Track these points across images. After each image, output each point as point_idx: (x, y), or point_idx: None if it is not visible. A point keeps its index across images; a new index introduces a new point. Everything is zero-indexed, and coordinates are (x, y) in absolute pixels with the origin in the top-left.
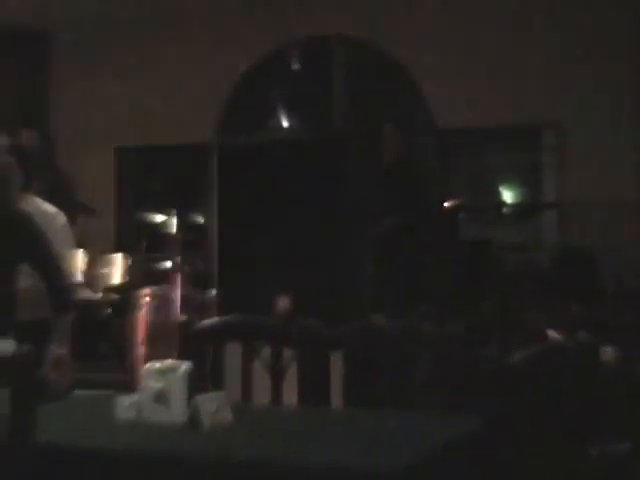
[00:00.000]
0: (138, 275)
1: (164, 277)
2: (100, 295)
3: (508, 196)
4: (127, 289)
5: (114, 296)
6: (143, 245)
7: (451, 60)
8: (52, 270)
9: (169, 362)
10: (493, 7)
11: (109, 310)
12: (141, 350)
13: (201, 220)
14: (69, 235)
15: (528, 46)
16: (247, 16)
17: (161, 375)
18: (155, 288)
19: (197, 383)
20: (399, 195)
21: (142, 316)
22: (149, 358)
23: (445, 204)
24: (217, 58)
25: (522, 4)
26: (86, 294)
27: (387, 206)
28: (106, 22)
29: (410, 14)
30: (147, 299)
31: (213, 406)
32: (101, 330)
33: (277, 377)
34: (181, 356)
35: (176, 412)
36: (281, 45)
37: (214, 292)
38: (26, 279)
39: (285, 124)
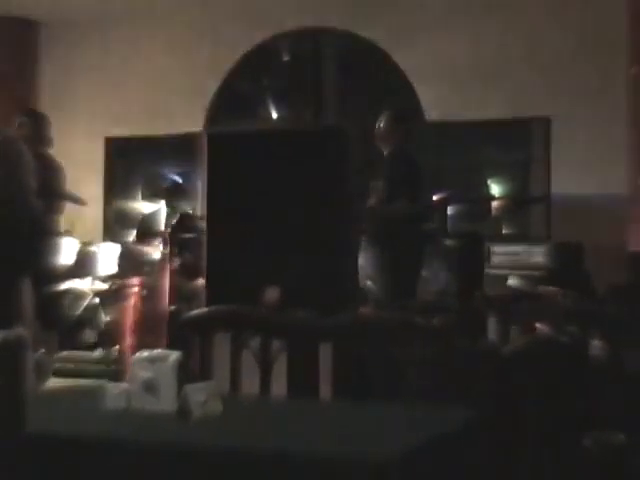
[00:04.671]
0: (127, 265)
1: (153, 267)
2: (88, 284)
3: (497, 189)
4: (116, 279)
5: (103, 285)
6: (132, 235)
7: (441, 53)
8: None
9: (158, 352)
10: (481, 1)
11: (97, 300)
12: (130, 340)
13: (190, 210)
14: None
15: (518, 40)
16: (237, 8)
17: (150, 364)
18: (144, 278)
19: (186, 373)
20: (390, 185)
21: (131, 306)
22: (138, 348)
23: (434, 197)
24: (207, 48)
25: None
26: (75, 283)
27: (378, 196)
28: (97, 11)
29: (399, 6)
30: (136, 289)
31: (202, 396)
32: (90, 320)
33: (266, 368)
34: (170, 346)
35: (165, 401)
36: (271, 36)
37: (203, 282)
38: None
39: (274, 115)
